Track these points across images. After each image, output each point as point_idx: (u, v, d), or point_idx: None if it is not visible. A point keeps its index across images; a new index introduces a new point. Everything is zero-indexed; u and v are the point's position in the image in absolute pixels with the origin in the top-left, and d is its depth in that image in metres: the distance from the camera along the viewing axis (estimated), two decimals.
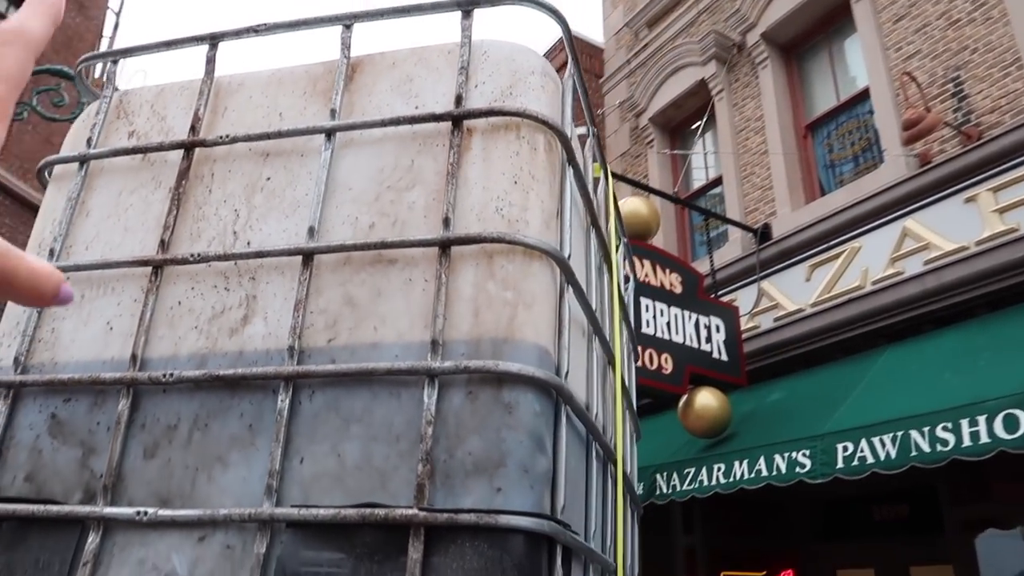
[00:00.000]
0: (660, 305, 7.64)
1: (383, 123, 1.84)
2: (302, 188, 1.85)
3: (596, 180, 2.56)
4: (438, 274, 1.64)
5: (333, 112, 1.90)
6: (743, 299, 8.65)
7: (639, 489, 7.93)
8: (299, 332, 1.68)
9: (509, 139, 1.78)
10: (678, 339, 7.60)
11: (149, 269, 1.84)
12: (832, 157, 8.89)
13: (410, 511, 1.44)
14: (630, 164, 11.18)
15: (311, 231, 1.77)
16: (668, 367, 7.44)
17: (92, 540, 1.59)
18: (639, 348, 7.11)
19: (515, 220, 1.70)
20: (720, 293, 8.75)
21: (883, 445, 5.77)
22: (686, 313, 7.78)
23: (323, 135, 1.87)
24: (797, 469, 6.31)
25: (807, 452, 6.29)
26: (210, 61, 2.07)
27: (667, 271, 7.87)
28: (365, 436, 1.57)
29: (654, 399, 8.52)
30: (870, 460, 5.81)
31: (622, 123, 11.50)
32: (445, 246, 1.66)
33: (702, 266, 8.94)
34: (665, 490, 7.66)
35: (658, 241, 10.23)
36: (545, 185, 1.77)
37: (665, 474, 7.70)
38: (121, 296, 1.86)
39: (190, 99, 2.06)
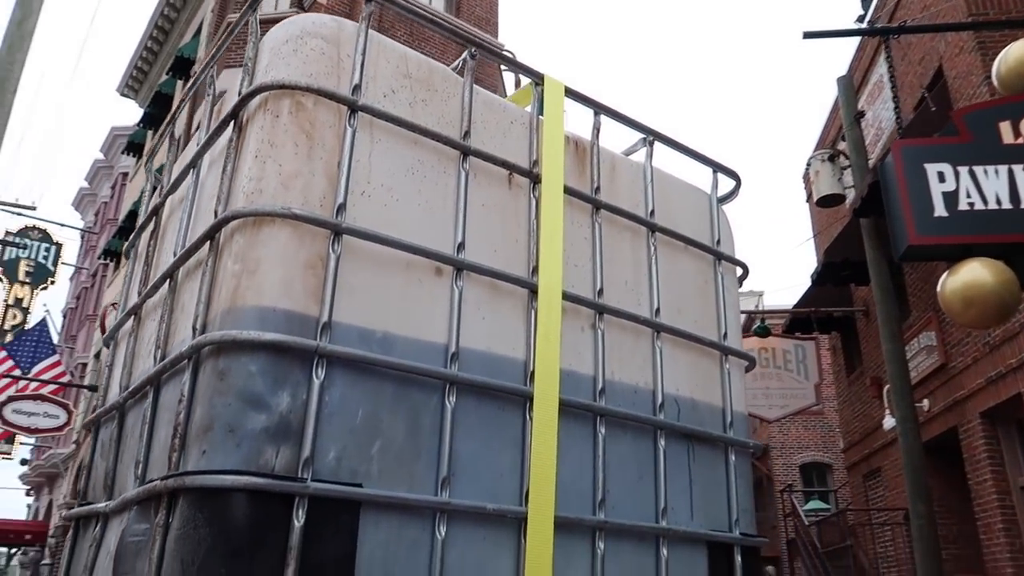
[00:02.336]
0: None
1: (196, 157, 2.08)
2: None
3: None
4: (203, 266, 1.79)
5: None
6: None
7: None
8: (162, 341, 1.98)
9: (259, 116, 1.84)
10: None
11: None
12: None
13: (153, 483, 1.62)
14: None
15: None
16: None
17: (95, 531, 2.11)
18: None
19: (251, 193, 1.75)
20: None
21: None
22: None
23: None
24: None
25: None
26: None
27: None
28: (166, 421, 1.79)
29: None
30: None
31: None
32: (211, 240, 1.80)
33: None
34: None
35: None
36: (286, 148, 1.77)
37: None
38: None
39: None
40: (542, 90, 2.28)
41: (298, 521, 1.53)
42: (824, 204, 9.45)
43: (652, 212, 2.42)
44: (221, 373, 1.61)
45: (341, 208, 1.77)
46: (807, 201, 12.96)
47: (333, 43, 1.91)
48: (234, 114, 1.90)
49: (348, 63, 1.91)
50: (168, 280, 2.03)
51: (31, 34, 5.75)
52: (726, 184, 2.75)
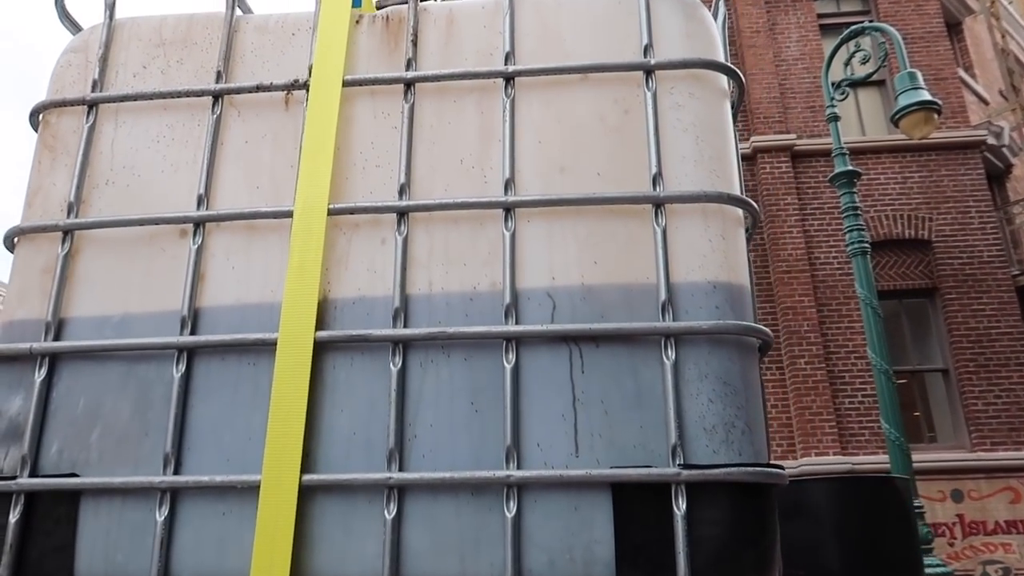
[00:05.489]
0: None
1: None
2: None
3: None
4: None
5: None
6: None
7: None
8: None
9: None
10: None
11: None
12: None
13: None
14: None
15: None
16: None
17: None
18: None
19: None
20: None
21: None
22: None
23: None
24: None
25: None
26: None
27: None
28: None
29: None
30: None
31: None
32: None
33: None
34: None
35: None
36: (33, 168, 1.88)
37: None
38: None
39: None
40: None
41: (13, 517, 1.57)
42: None
43: (509, 55, 1.79)
44: None
45: (71, 207, 1.78)
46: None
47: (81, 51, 1.95)
48: None
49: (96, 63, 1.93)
50: None
51: None
52: None
